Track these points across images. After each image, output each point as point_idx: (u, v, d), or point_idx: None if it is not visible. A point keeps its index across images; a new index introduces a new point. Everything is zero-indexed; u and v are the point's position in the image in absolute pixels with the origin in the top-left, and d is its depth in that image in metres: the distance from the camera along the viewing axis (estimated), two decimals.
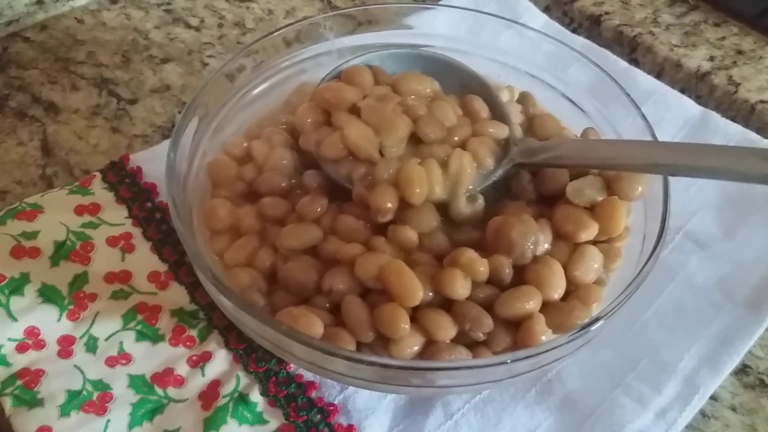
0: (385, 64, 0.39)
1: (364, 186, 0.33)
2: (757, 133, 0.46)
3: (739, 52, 0.51)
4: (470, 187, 0.34)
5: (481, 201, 0.34)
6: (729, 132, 0.46)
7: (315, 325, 0.29)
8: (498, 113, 0.38)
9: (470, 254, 0.30)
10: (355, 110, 0.35)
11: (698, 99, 0.49)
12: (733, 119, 0.47)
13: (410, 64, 0.40)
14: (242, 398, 0.34)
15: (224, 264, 0.33)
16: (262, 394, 0.34)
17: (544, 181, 0.35)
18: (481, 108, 0.37)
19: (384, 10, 0.42)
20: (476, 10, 0.43)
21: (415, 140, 0.35)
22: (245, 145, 0.37)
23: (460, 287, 0.29)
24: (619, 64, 0.50)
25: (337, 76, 0.38)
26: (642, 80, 0.49)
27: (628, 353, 0.36)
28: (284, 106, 0.40)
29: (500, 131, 0.36)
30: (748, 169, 0.28)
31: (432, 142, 0.34)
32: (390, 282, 0.29)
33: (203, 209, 0.35)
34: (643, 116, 0.36)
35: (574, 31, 0.53)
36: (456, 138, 0.35)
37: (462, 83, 0.39)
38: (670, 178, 0.34)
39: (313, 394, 0.34)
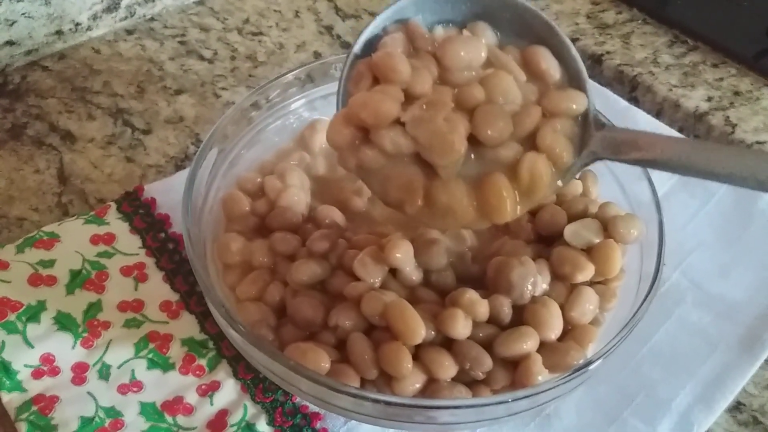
0: (424, 9, 0.32)
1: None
2: None
3: (737, 93, 0.52)
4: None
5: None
6: None
7: (321, 360, 0.30)
8: (570, 69, 0.31)
9: (471, 295, 0.31)
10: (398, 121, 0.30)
11: (696, 138, 0.50)
12: None
13: (452, 5, 0.32)
14: (249, 428, 0.35)
15: (235, 297, 0.34)
16: (268, 424, 0.35)
17: (543, 222, 0.36)
18: (550, 66, 0.31)
19: None
20: None
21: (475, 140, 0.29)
22: (258, 180, 0.39)
23: (461, 327, 0.31)
24: (619, 103, 0.51)
25: (369, 46, 0.32)
26: (641, 119, 0.50)
27: (624, 389, 0.37)
28: (297, 142, 0.42)
29: (579, 103, 0.30)
30: None
31: (496, 145, 0.29)
32: (394, 321, 0.31)
33: (217, 243, 0.36)
34: None
35: None
36: (525, 128, 0.29)
37: (519, 19, 0.32)
38: (665, 224, 0.35)
39: (318, 425, 0.35)
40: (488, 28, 0.32)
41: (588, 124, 0.31)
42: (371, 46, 0.32)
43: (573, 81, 0.32)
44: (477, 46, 0.30)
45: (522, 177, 0.29)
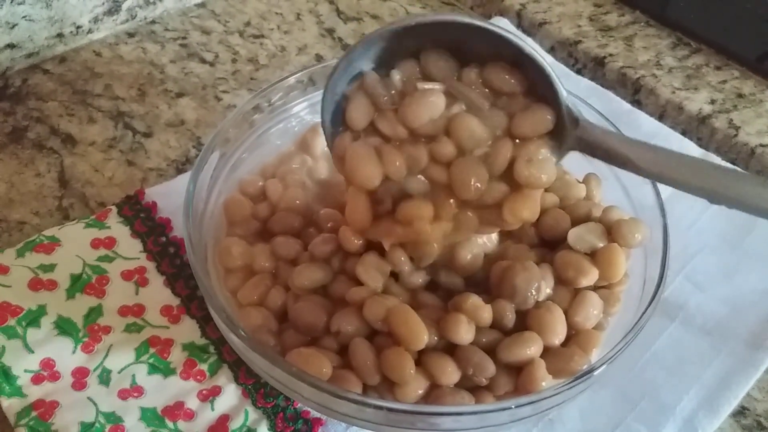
0: (374, 57, 0.32)
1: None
2: None
3: (740, 96, 0.52)
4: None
5: None
6: None
7: (323, 366, 0.30)
8: (535, 72, 0.30)
9: (474, 300, 0.31)
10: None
11: (699, 141, 0.50)
12: (734, 162, 0.48)
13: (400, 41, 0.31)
14: None
15: (237, 302, 0.34)
16: (269, 430, 0.35)
17: (546, 227, 0.36)
18: (507, 84, 0.31)
19: None
20: None
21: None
22: (260, 183, 0.38)
23: (464, 332, 0.30)
24: (622, 106, 0.51)
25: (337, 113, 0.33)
26: (644, 122, 0.50)
27: (627, 394, 0.37)
28: (299, 146, 0.41)
29: (544, 123, 0.30)
30: None
31: (478, 198, 0.31)
32: (396, 326, 0.30)
33: (218, 248, 0.36)
34: None
35: (578, 72, 0.55)
36: (499, 167, 0.30)
37: (470, 36, 0.31)
38: (669, 227, 0.35)
39: (320, 431, 0.35)
40: (441, 58, 0.32)
41: (563, 122, 0.31)
42: (338, 108, 0.33)
43: (541, 84, 0.31)
44: (435, 101, 0.31)
45: (510, 220, 0.31)
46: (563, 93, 0.30)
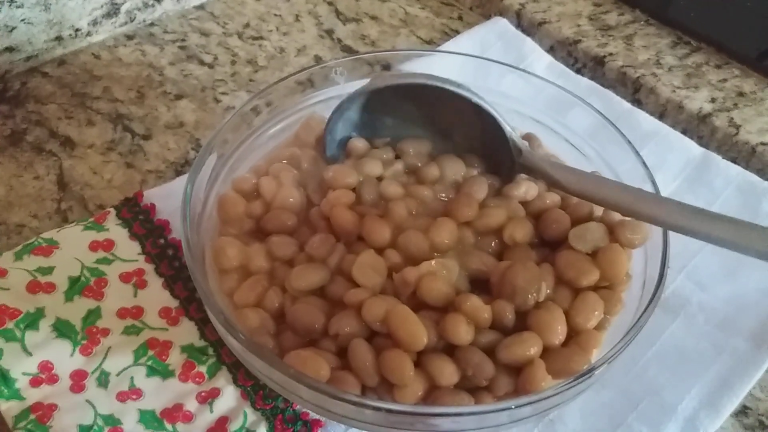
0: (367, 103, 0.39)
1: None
2: (758, 174, 0.47)
3: (741, 94, 0.52)
4: None
5: None
6: (730, 174, 0.47)
7: (321, 368, 0.30)
8: (489, 118, 0.37)
9: (473, 300, 0.31)
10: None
11: (700, 140, 0.50)
12: (734, 161, 0.48)
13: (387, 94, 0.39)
14: None
15: (234, 304, 0.34)
16: None
17: (547, 226, 0.35)
18: (435, 173, 0.38)
19: (393, 55, 0.44)
20: (481, 57, 0.44)
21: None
22: (254, 181, 0.38)
23: (463, 333, 0.30)
24: (622, 105, 0.51)
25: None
26: (644, 121, 0.50)
27: (628, 394, 0.37)
28: (293, 141, 0.41)
29: (480, 190, 0.36)
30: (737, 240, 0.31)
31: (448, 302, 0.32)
32: (396, 327, 0.30)
33: (212, 248, 0.35)
34: (643, 162, 0.37)
35: (578, 71, 0.55)
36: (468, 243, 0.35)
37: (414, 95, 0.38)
38: None
39: None
40: (417, 143, 0.39)
41: (510, 153, 0.38)
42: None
43: (493, 126, 0.38)
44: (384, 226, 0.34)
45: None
46: (508, 129, 0.38)
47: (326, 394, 0.28)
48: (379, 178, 0.37)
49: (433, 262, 0.32)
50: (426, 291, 0.32)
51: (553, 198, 0.37)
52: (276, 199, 0.36)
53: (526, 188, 0.37)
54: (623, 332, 0.31)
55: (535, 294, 0.32)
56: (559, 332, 0.31)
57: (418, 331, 0.30)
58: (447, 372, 0.30)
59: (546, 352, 0.31)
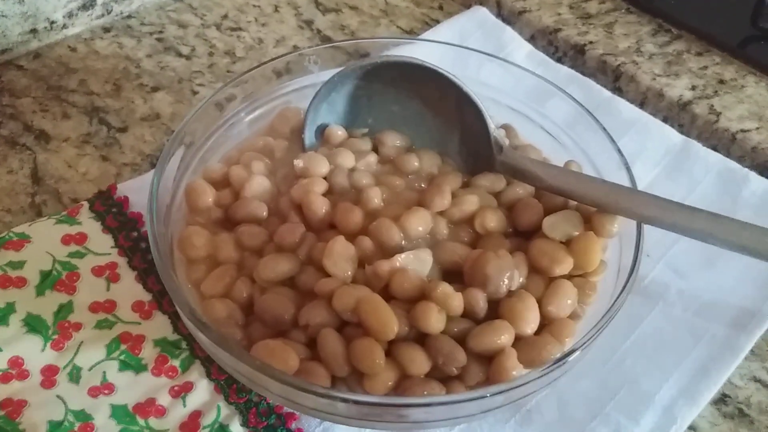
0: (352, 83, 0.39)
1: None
2: (738, 162, 0.47)
3: (721, 82, 0.51)
4: None
5: None
6: (710, 161, 0.46)
7: (290, 359, 0.29)
8: (474, 110, 0.37)
9: (444, 288, 0.31)
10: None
11: (680, 128, 0.50)
12: (715, 148, 0.48)
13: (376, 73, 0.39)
14: (223, 429, 0.34)
15: (201, 294, 0.33)
16: (242, 425, 0.34)
17: (521, 215, 0.35)
18: (414, 165, 0.37)
19: (371, 43, 0.43)
20: (460, 46, 0.44)
21: None
22: (224, 170, 0.38)
23: (434, 321, 0.30)
24: (602, 93, 0.50)
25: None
26: (625, 109, 0.49)
27: (606, 383, 0.37)
28: (267, 132, 0.41)
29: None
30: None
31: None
32: (366, 316, 0.30)
33: (179, 237, 0.35)
34: (619, 150, 0.37)
35: (558, 60, 0.54)
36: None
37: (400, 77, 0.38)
38: None
39: (293, 426, 0.34)
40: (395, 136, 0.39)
41: (491, 150, 0.37)
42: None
43: (476, 118, 0.38)
44: (356, 211, 0.34)
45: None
46: (491, 126, 0.37)
47: (293, 386, 0.27)
48: (352, 170, 0.37)
49: (403, 255, 0.32)
50: (397, 287, 0.31)
51: (526, 187, 0.37)
52: (245, 187, 0.36)
53: (494, 178, 0.36)
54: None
55: (507, 282, 0.31)
56: (531, 321, 0.31)
57: (388, 320, 0.29)
58: (418, 361, 0.29)
59: (518, 342, 0.31)
